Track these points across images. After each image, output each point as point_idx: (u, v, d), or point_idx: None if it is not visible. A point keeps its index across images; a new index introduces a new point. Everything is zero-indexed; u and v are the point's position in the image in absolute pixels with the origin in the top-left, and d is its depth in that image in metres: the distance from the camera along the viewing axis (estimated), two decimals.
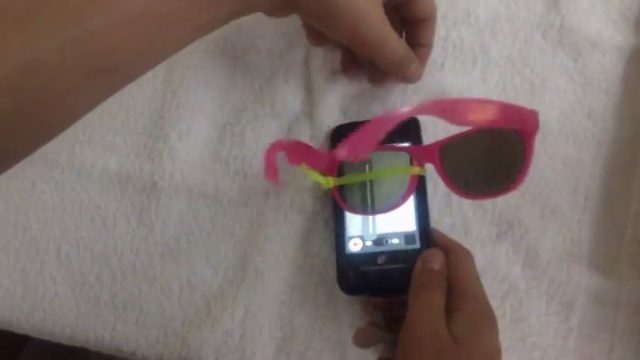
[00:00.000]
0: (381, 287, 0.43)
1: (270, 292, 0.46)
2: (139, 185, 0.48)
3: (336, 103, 0.48)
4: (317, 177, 0.42)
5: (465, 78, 0.48)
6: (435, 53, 0.49)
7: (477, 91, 0.48)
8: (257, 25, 0.50)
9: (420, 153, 0.42)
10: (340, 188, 0.44)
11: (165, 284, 0.47)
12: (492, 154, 0.42)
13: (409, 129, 0.45)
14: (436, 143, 0.42)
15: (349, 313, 0.46)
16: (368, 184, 0.44)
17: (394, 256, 0.43)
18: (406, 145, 0.45)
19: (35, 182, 0.49)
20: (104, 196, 0.48)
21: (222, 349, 0.45)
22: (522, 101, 0.47)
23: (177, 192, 0.48)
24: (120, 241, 0.48)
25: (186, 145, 0.48)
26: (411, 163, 0.42)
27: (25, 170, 0.49)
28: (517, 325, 0.42)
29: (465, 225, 0.45)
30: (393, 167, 0.43)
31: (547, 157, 0.47)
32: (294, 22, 0.50)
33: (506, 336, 0.40)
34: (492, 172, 0.42)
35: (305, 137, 0.48)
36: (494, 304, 0.38)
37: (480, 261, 0.41)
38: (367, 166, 0.44)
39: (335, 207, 0.45)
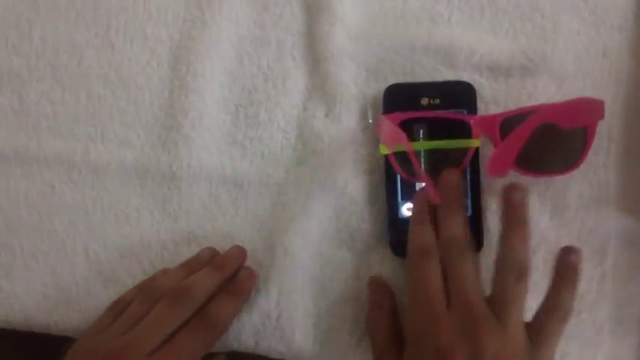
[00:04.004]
0: None
1: (300, 270, 0.46)
2: (157, 177, 0.48)
3: (347, 74, 0.47)
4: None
5: (474, 30, 0.47)
6: (441, 7, 0.48)
7: (487, 44, 0.46)
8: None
9: (481, 124, 0.42)
10: (395, 154, 0.43)
11: None
12: (552, 134, 0.41)
13: (464, 95, 0.45)
14: (496, 116, 0.42)
15: None
16: (422, 151, 0.44)
17: None
18: (464, 112, 0.44)
19: (54, 185, 0.49)
20: (124, 191, 0.48)
21: (260, 332, 0.45)
22: (535, 48, 0.46)
23: (197, 180, 0.47)
24: (145, 234, 0.48)
25: (200, 132, 0.48)
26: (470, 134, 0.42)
27: (42, 174, 0.49)
28: (551, 274, 0.42)
29: (488, 181, 0.45)
30: (450, 136, 0.43)
31: None
32: None
33: (542, 287, 0.40)
34: (551, 152, 0.43)
35: (320, 114, 0.47)
36: None
37: None
38: (422, 131, 0.44)
39: (388, 172, 0.45)
